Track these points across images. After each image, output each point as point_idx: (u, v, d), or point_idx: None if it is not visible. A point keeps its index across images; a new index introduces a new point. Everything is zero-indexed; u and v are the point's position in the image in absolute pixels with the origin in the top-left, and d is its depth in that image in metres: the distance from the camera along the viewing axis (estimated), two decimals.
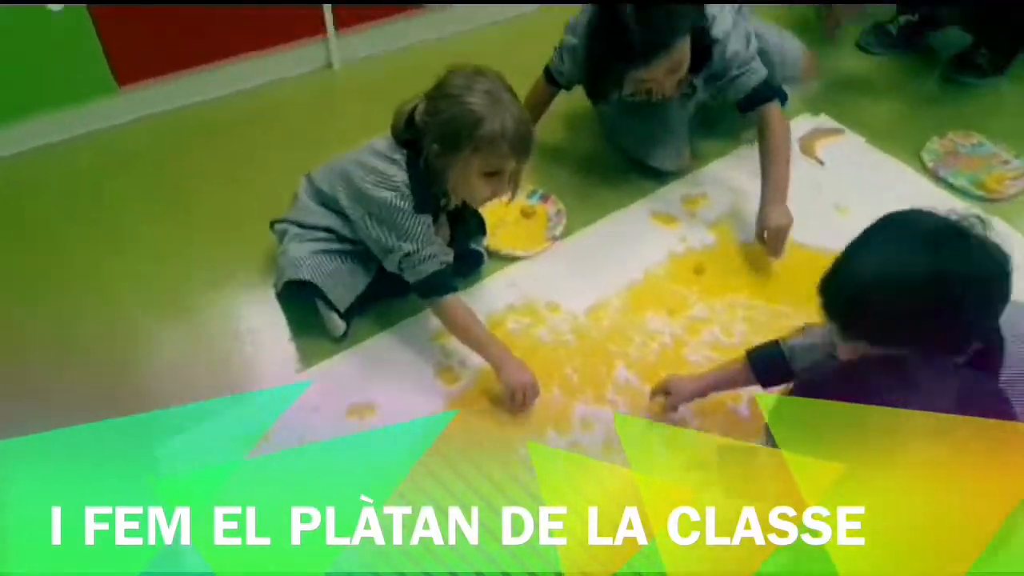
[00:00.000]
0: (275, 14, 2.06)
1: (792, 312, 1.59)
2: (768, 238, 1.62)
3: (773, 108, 1.69)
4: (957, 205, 1.77)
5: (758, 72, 1.67)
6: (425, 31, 2.30)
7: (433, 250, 1.42)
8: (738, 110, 1.72)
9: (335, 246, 1.51)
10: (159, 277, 1.68)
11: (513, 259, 1.72)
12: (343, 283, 1.51)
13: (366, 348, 1.55)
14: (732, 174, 1.93)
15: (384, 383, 1.48)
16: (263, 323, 1.60)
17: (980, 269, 0.91)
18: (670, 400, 1.36)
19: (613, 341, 1.56)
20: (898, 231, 0.98)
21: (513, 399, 1.40)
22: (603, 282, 1.67)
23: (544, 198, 1.85)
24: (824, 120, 2.06)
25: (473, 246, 1.67)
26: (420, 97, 1.40)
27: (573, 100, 1.94)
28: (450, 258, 1.47)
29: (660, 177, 1.90)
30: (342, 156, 1.50)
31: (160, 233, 1.78)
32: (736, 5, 1.80)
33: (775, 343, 1.29)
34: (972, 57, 2.13)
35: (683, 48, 1.53)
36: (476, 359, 1.49)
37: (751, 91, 1.67)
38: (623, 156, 1.93)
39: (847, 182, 1.89)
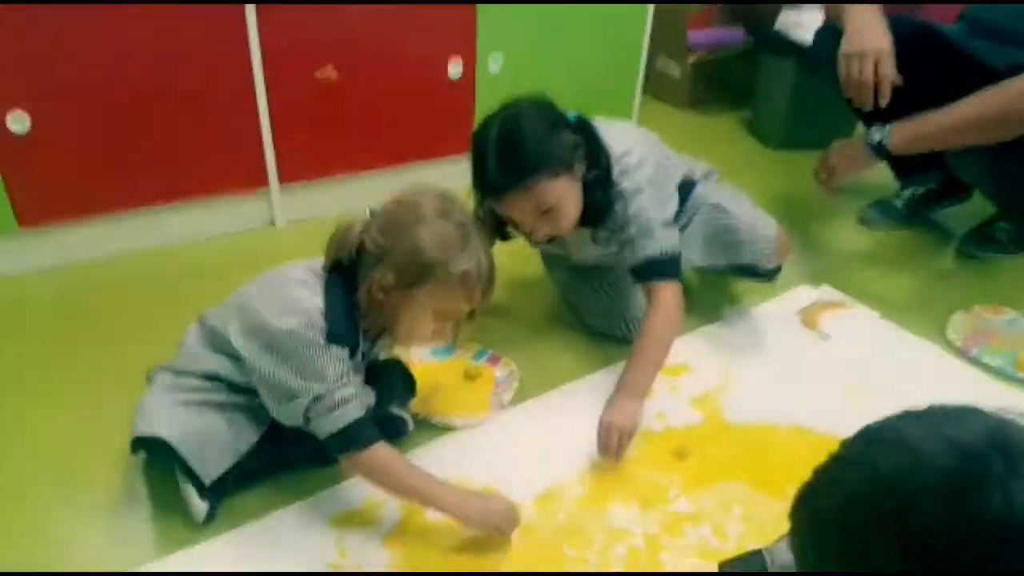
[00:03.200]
0: (212, 161, 1.88)
1: None
2: (599, 434, 1.30)
3: (665, 288, 1.40)
4: (995, 387, 1.50)
5: (661, 242, 1.40)
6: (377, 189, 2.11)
7: (349, 391, 1.10)
8: (634, 277, 1.45)
9: (213, 397, 1.18)
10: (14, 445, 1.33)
11: (447, 429, 1.37)
12: (214, 446, 1.15)
13: (239, 535, 1.16)
14: (719, 343, 1.63)
15: None
16: (120, 493, 1.23)
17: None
18: None
19: (568, 541, 1.16)
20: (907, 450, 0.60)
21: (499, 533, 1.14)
22: (559, 463, 1.31)
23: (493, 359, 1.54)
24: (827, 291, 1.80)
25: (395, 410, 1.33)
26: (363, 219, 1.14)
27: (536, 258, 1.71)
28: (371, 400, 1.16)
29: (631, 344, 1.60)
30: (243, 288, 1.21)
31: (46, 389, 1.45)
32: (705, 170, 1.64)
33: (758, 554, 0.91)
34: (991, 232, 1.91)
35: (547, 188, 1.30)
36: (380, 559, 1.11)
37: (644, 261, 1.40)
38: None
39: (860, 360, 1.58)
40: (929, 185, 2.05)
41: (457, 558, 1.13)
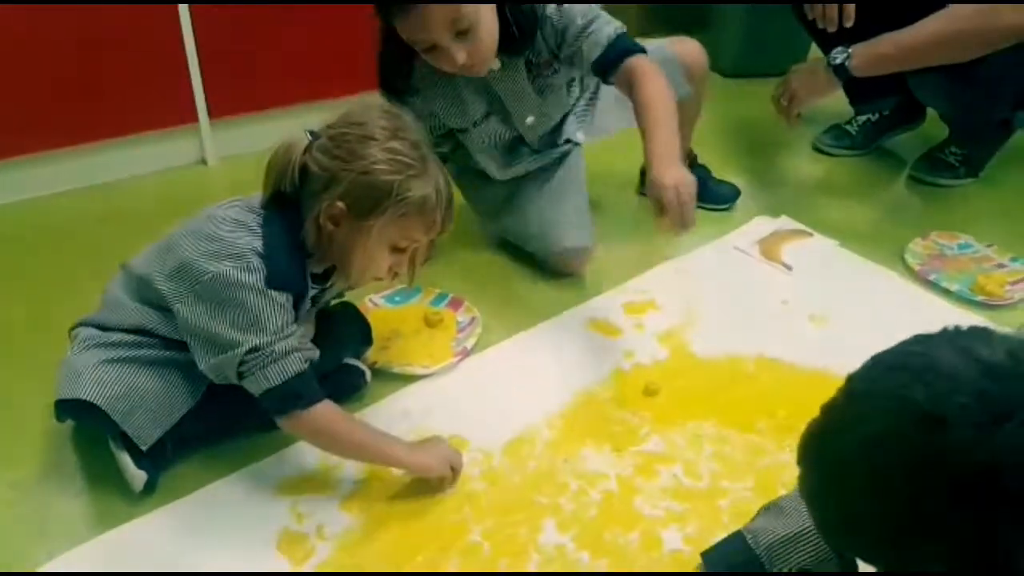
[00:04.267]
0: (138, 97, 1.71)
1: (772, 446, 1.20)
2: (667, 203, 1.17)
3: (642, 60, 1.30)
4: (955, 312, 1.51)
5: (611, 22, 1.31)
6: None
7: (291, 343, 1.00)
8: (599, 76, 1.35)
9: (143, 353, 1.06)
10: None
11: (408, 378, 1.30)
12: (148, 408, 1.05)
13: (182, 506, 1.08)
14: (682, 278, 1.59)
15: (199, 561, 1.00)
16: (46, 467, 1.12)
17: None
18: None
19: (540, 489, 1.12)
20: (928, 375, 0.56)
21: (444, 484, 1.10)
22: (527, 406, 1.26)
23: (455, 304, 1.46)
24: (786, 221, 1.77)
25: (349, 360, 1.25)
26: (304, 140, 1.01)
27: None
28: (315, 354, 1.05)
29: (594, 281, 1.55)
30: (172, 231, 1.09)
31: None
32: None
33: (739, 536, 0.87)
34: (942, 156, 1.91)
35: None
36: (337, 525, 1.05)
37: (608, 43, 1.30)
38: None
39: (822, 289, 1.57)
40: (882, 111, 2.03)
41: (421, 518, 1.07)
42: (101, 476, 1.11)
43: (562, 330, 1.44)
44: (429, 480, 1.09)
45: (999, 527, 0.52)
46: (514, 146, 1.52)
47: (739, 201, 1.82)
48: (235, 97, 1.81)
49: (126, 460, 1.05)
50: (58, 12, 1.55)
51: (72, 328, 1.14)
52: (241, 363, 0.99)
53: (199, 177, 1.81)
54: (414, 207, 1.02)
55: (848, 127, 2.05)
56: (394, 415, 1.24)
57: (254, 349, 0.98)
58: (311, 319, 1.15)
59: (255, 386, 1.00)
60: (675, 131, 1.25)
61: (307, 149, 1.01)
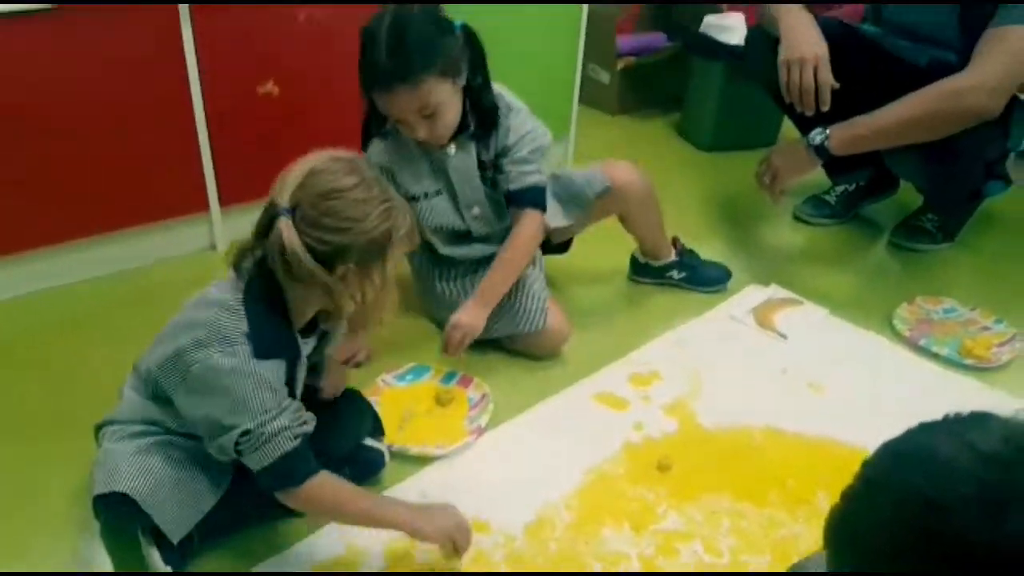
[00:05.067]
0: (150, 186, 1.75)
1: (786, 517, 1.23)
2: (448, 338, 1.46)
3: (536, 216, 1.51)
4: (946, 376, 1.57)
5: (540, 173, 1.51)
6: None
7: (280, 422, 1.01)
8: (505, 201, 1.53)
9: (164, 444, 1.07)
10: None
11: (425, 460, 1.32)
12: (178, 500, 1.05)
13: None
14: (683, 349, 1.63)
15: None
16: (72, 559, 1.11)
17: None
18: None
19: (563, 571, 1.13)
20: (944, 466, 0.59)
21: (454, 550, 1.09)
22: (544, 486, 1.27)
23: (464, 381, 1.49)
24: (776, 290, 1.84)
25: (370, 443, 1.26)
26: (283, 220, 0.99)
27: None
28: (308, 429, 1.05)
29: (597, 356, 1.59)
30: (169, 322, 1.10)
31: None
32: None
33: None
34: (918, 223, 2.00)
35: (434, 89, 1.35)
36: None
37: (529, 187, 1.49)
38: None
39: (817, 357, 1.62)
40: (859, 181, 2.13)
41: None
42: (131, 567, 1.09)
43: (570, 405, 1.47)
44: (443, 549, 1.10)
45: None
46: (460, 233, 1.59)
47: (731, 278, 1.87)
48: (246, 184, 1.84)
49: (155, 556, 1.04)
50: (62, 102, 1.59)
51: (98, 427, 1.14)
52: (236, 444, 1.01)
53: (209, 263, 1.84)
54: (406, 238, 1.07)
55: (827, 197, 2.14)
56: (411, 497, 1.24)
57: (245, 432, 1.00)
58: (335, 369, 1.18)
59: (251, 465, 1.03)
60: (508, 283, 1.50)
61: (295, 227, 0.99)
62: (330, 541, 1.16)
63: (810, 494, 1.26)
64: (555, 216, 1.60)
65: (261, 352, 1.01)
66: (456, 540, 1.09)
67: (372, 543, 1.15)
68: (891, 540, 0.59)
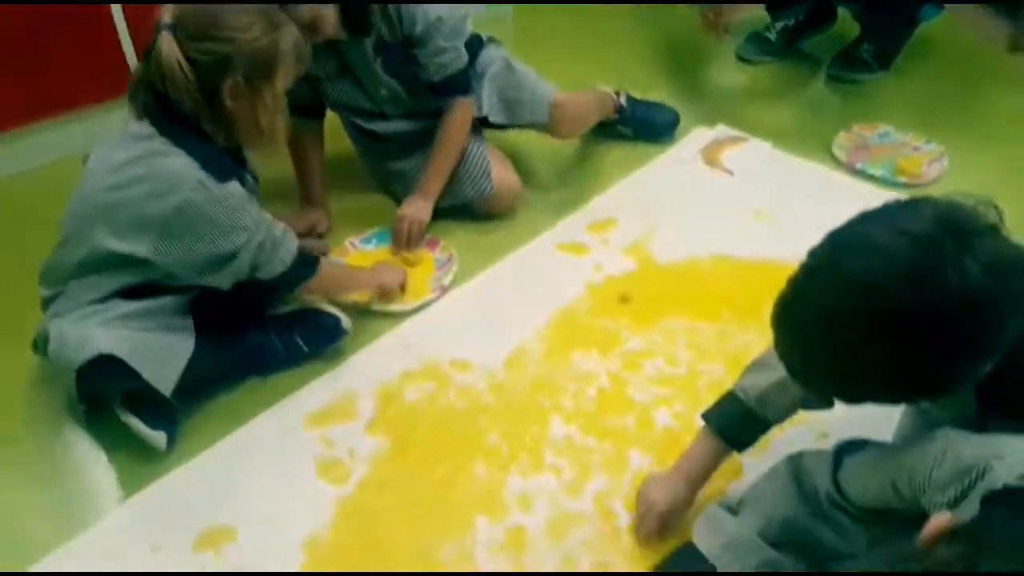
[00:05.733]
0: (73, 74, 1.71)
1: (737, 330, 1.35)
2: (397, 232, 1.52)
3: (463, 103, 1.52)
4: (883, 194, 1.68)
5: (464, 58, 1.49)
6: None
7: (279, 228, 1.15)
8: (432, 93, 1.52)
9: (124, 310, 1.09)
10: None
11: (392, 316, 1.39)
12: (154, 357, 1.09)
13: (211, 457, 1.16)
14: (637, 193, 1.71)
15: (243, 497, 1.10)
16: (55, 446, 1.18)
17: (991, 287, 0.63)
18: (664, 531, 1.01)
19: (542, 392, 1.25)
20: (880, 233, 0.68)
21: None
22: (517, 325, 1.37)
23: (431, 244, 1.55)
24: (723, 130, 1.90)
25: (325, 307, 1.33)
26: (165, 37, 1.02)
27: None
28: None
29: (557, 211, 1.66)
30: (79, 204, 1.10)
31: None
32: (490, 35, 1.66)
33: (732, 395, 1.00)
34: (856, 53, 2.06)
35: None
36: (367, 447, 1.16)
37: (450, 76, 1.48)
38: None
39: (762, 188, 1.71)
40: (798, 16, 2.16)
41: (442, 431, 1.19)
42: (119, 442, 1.17)
43: (534, 256, 1.55)
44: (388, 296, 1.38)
45: (909, 357, 0.65)
46: (376, 113, 1.59)
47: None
48: None
49: (139, 425, 1.12)
50: None
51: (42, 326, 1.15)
52: (255, 259, 1.10)
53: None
54: (292, 55, 1.10)
55: (767, 34, 2.17)
56: (394, 349, 1.34)
57: (253, 245, 1.09)
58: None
59: (269, 273, 1.14)
60: (447, 172, 1.53)
61: (177, 44, 1.01)
62: (315, 394, 1.25)
63: (759, 308, 1.36)
64: (495, 113, 1.60)
65: (220, 176, 1.05)
66: (401, 283, 1.38)
67: (363, 383, 1.25)
68: (830, 320, 0.68)
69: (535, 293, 1.45)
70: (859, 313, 0.66)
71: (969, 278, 0.62)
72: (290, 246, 1.15)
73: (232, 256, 1.07)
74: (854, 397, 0.73)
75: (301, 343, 1.27)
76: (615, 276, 1.49)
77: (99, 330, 1.07)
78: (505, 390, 1.25)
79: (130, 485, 1.12)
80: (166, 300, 1.12)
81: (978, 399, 0.71)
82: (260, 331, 1.27)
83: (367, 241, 1.57)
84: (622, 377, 1.27)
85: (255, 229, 1.08)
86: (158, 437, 1.14)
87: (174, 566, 1.01)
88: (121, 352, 1.05)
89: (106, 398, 1.15)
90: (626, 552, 1.02)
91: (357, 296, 1.39)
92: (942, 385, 0.66)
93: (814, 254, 0.72)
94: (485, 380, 1.27)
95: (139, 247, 1.06)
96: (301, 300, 1.33)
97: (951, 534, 0.44)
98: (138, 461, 1.15)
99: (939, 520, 0.46)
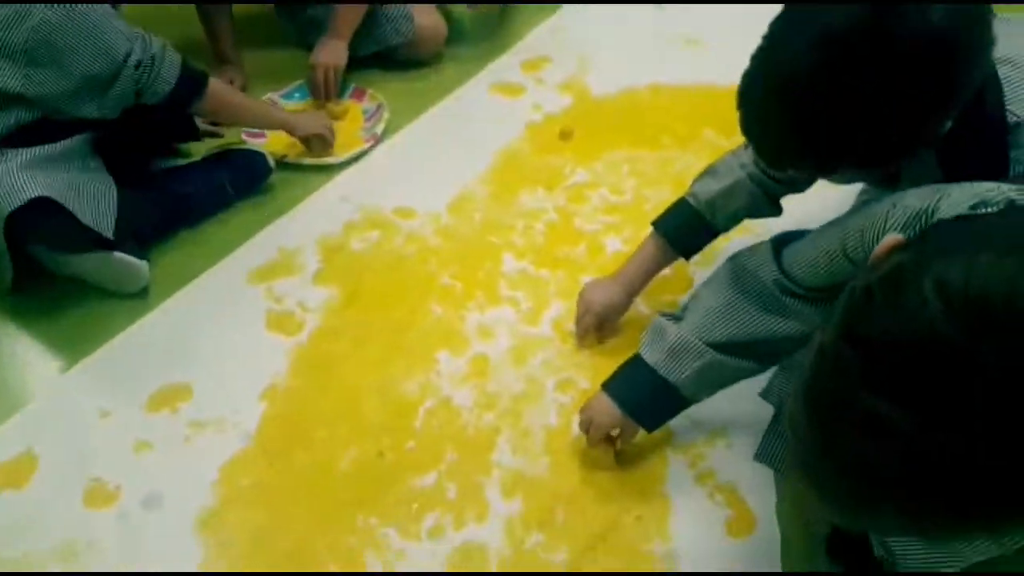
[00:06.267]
0: None
1: (678, 155, 1.35)
2: (314, 82, 1.41)
3: None
4: None
5: None
6: None
7: (158, 42, 1.05)
8: None
9: (25, 159, 1.00)
10: None
11: (325, 169, 1.33)
12: (84, 200, 1.02)
13: (156, 318, 1.12)
14: (567, 30, 1.65)
15: (195, 355, 1.06)
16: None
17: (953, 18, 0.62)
18: (601, 330, 1.05)
19: (492, 232, 1.23)
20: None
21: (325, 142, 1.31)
22: (458, 170, 1.33)
23: (358, 94, 1.47)
24: None
25: (249, 143, 1.28)
26: None
27: None
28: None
29: (485, 56, 1.58)
30: None
31: None
32: None
33: (682, 200, 0.99)
34: None
35: None
36: (316, 298, 1.12)
37: None
38: None
39: (692, 16, 1.67)
40: None
41: (393, 275, 1.16)
42: (56, 308, 1.11)
43: (468, 100, 1.49)
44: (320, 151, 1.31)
45: (875, 107, 0.64)
46: None
47: None
48: None
49: (121, 256, 1.05)
50: None
51: None
52: (138, 80, 1.02)
53: None
54: None
55: None
56: (333, 201, 1.29)
57: (139, 62, 1.00)
58: None
59: (158, 92, 1.05)
60: (361, 4, 1.41)
61: None
62: (261, 246, 1.21)
63: (697, 132, 1.38)
64: None
65: None
66: (324, 135, 1.29)
67: (304, 237, 1.21)
68: (794, 78, 0.65)
69: (473, 137, 1.40)
70: (823, 66, 0.64)
71: (931, 15, 0.61)
72: (173, 60, 1.05)
73: (111, 78, 0.98)
74: (825, 164, 0.72)
75: (228, 186, 1.21)
76: (553, 113, 1.45)
77: (25, 175, 0.98)
78: (453, 233, 1.22)
79: (70, 355, 1.07)
80: (70, 142, 1.04)
81: (942, 168, 0.72)
82: (182, 178, 1.20)
83: (288, 96, 1.47)
84: (569, 210, 1.26)
85: (128, 46, 0.98)
86: (142, 266, 1.09)
87: (125, 429, 0.98)
88: (56, 195, 0.97)
89: (35, 262, 1.07)
90: (585, 366, 1.03)
91: (287, 150, 1.32)
92: (908, 138, 0.66)
93: (773, 22, 0.70)
94: (431, 224, 1.24)
95: (11, 81, 0.97)
96: (221, 143, 1.27)
97: (904, 245, 0.45)
98: (77, 332, 1.09)
99: (892, 237, 0.46)
